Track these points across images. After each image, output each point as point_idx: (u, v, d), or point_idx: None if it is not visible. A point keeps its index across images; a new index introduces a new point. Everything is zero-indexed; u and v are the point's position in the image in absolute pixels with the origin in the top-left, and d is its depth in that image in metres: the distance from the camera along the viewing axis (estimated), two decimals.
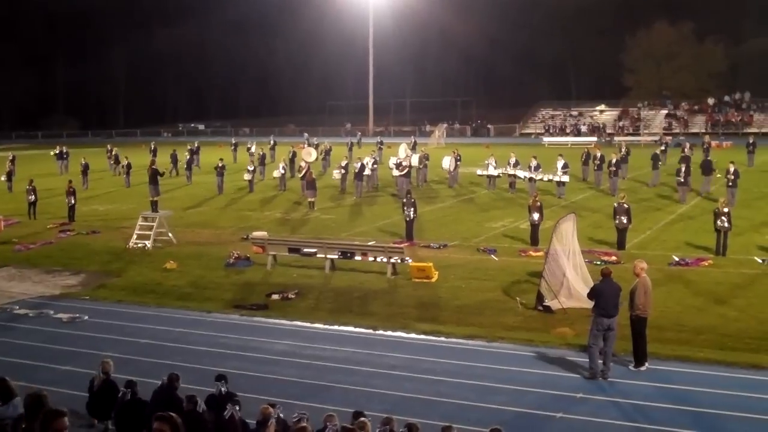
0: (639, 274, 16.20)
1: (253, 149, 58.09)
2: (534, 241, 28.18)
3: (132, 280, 25.28)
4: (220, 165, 45.31)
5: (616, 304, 15.86)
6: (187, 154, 53.44)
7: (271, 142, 65.10)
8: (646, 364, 16.07)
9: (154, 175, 34.23)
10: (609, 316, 15.72)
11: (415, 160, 46.33)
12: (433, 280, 23.69)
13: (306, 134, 75.07)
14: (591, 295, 16.38)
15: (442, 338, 18.55)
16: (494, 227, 32.40)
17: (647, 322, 16.24)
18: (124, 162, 49.71)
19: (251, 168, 46.58)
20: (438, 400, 14.83)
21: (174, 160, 54.75)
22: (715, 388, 15.09)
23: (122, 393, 12.87)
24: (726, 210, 26.15)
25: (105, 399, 13.29)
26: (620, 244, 27.20)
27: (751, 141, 50.51)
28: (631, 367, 16.05)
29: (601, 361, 15.83)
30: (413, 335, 18.85)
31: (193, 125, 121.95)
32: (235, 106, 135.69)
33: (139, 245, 29.71)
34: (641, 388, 15.19)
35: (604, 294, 15.92)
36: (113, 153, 58.84)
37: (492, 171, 43.57)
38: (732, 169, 35.44)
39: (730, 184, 34.99)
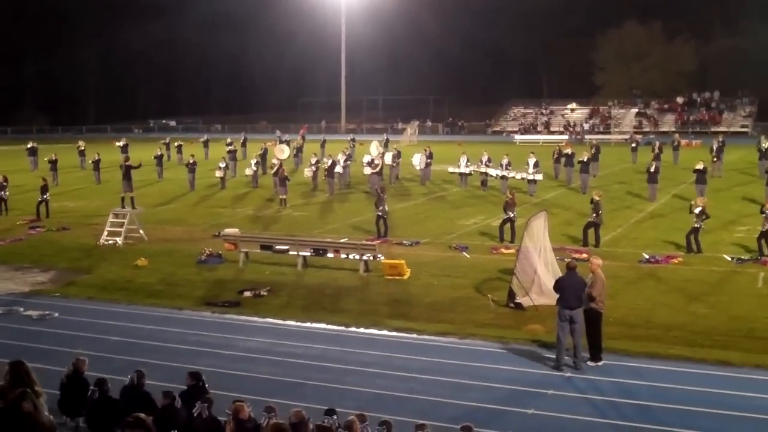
0: (595, 270, 16.37)
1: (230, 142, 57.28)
2: (505, 237, 28.38)
3: (102, 277, 25.11)
4: (191, 161, 45.11)
5: (578, 296, 16.06)
6: (158, 150, 52.95)
7: (242, 138, 64.79)
8: (602, 360, 16.21)
9: (128, 172, 34.07)
10: (570, 308, 15.92)
11: (388, 157, 46.33)
12: (405, 277, 23.73)
13: (278, 131, 74.92)
14: (555, 287, 16.66)
15: (414, 335, 18.58)
16: (466, 225, 32.49)
17: (602, 317, 16.38)
18: (94, 158, 49.19)
19: (223, 165, 46.39)
20: (410, 397, 14.86)
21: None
22: (684, 385, 15.23)
23: (91, 392, 12.80)
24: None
25: (75, 396, 13.20)
26: (589, 241, 27.42)
27: (720, 140, 50.95)
28: (588, 363, 16.16)
29: (569, 357, 16.04)
30: (385, 332, 18.87)
31: (164, 121, 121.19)
32: (207, 102, 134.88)
33: (110, 242, 29.53)
34: (612, 384, 15.30)
35: (566, 286, 16.20)
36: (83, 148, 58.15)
37: (464, 169, 43.68)
38: (702, 167, 35.96)
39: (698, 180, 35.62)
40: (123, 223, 30.13)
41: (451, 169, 44.85)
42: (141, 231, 30.51)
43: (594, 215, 27.36)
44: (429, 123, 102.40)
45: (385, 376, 15.99)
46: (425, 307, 20.90)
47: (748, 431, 13.41)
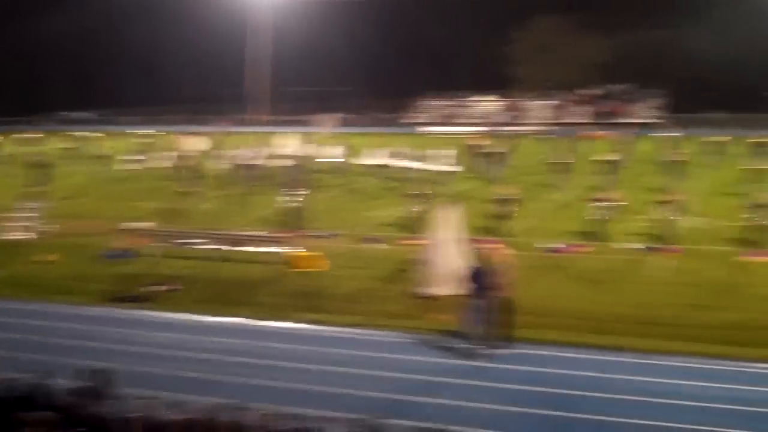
0: (503, 259, 16.69)
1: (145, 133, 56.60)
2: (418, 229, 28.55)
3: (9, 273, 24.56)
4: (103, 154, 44.38)
5: (488, 285, 16.30)
6: (68, 142, 51.80)
7: (158, 130, 63.90)
8: (512, 348, 16.52)
9: (40, 166, 33.31)
10: (480, 297, 16.17)
11: (301, 149, 46.23)
12: (320, 269, 23.74)
13: (190, 124, 74.16)
14: (465, 276, 16.82)
15: (326, 327, 18.66)
16: (380, 216, 32.66)
17: (513, 305, 16.68)
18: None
19: (137, 157, 45.76)
20: (322, 390, 14.93)
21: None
22: (588, 371, 15.66)
23: None
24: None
25: None
26: (502, 232, 27.83)
27: (631, 131, 52.10)
28: (498, 351, 16.43)
29: (479, 345, 16.30)
30: (299, 325, 18.91)
31: (77, 113, 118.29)
32: (122, 93, 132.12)
33: (17, 237, 28.87)
34: (518, 372, 15.61)
35: (477, 276, 16.39)
36: None
37: (378, 160, 43.87)
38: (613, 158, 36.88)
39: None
40: (31, 217, 29.51)
41: (365, 161, 44.96)
42: (49, 226, 29.91)
43: (505, 208, 27.79)
44: (345, 115, 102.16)
45: (298, 369, 16.04)
46: (338, 299, 20.99)
47: (649, 415, 13.78)
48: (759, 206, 27.05)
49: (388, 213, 33.35)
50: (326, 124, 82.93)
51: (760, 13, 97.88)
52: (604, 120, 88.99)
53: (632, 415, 13.78)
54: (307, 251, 24.75)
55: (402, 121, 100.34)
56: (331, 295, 21.27)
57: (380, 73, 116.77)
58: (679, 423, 13.51)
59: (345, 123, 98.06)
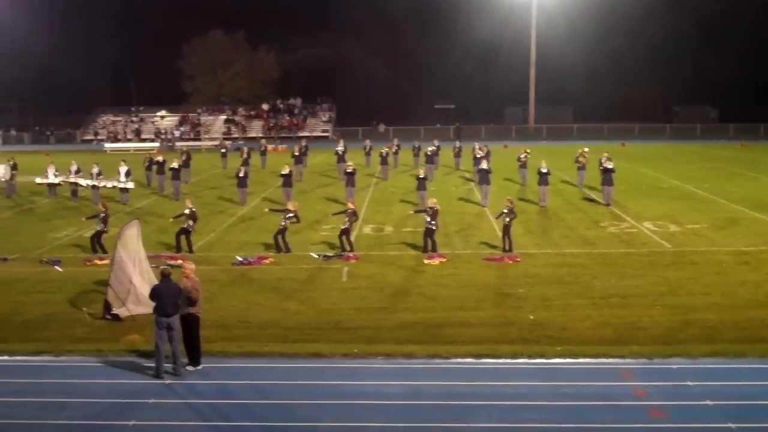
0: (188, 275, 16.76)
1: None
2: (102, 248, 27.83)
3: None
4: None
5: (174, 303, 16.31)
6: None
7: None
8: (201, 364, 16.69)
9: None
10: (167, 315, 16.17)
11: None
12: None
13: None
14: (151, 295, 16.72)
15: (6, 357, 17.69)
16: (58, 237, 31.40)
17: (200, 321, 16.86)
18: None
19: None
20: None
21: None
22: (280, 380, 16.07)
23: None
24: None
25: None
26: (184, 247, 27.78)
27: (303, 144, 53.70)
28: (187, 368, 16.54)
29: (169, 364, 16.26)
30: None
31: None
32: None
33: None
34: (213, 386, 15.71)
35: (162, 294, 16.36)
36: None
37: (52, 179, 42.21)
38: (287, 171, 37.78)
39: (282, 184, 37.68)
40: None
41: (38, 180, 43.05)
42: None
43: (189, 223, 27.78)
44: (13, 132, 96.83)
45: None
46: (17, 326, 19.93)
47: (341, 417, 14.43)
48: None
49: (65, 233, 32.14)
50: None
51: (412, 35, 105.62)
52: (278, 134, 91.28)
53: (320, 419, 14.37)
54: None
55: (76, 137, 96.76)
56: (8, 323, 20.11)
57: (52, 88, 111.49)
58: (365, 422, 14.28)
59: (15, 140, 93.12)
